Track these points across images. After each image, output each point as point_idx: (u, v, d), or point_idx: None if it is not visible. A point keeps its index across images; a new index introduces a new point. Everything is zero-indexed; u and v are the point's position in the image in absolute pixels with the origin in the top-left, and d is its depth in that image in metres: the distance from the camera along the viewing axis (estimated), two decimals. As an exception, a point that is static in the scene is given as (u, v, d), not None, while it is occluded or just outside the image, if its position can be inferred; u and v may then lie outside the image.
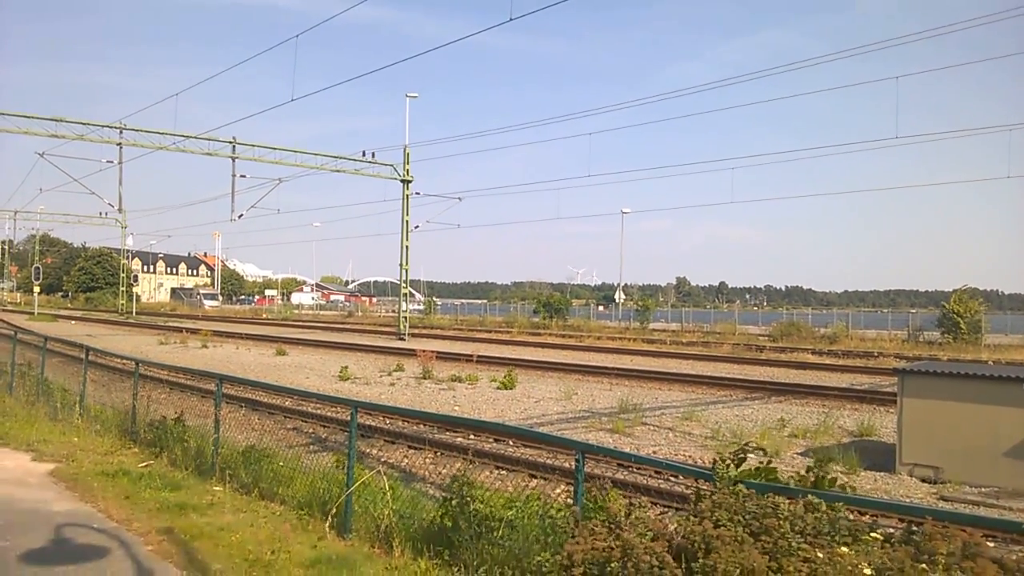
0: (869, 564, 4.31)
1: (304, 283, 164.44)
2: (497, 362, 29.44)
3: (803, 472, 6.88)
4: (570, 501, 6.40)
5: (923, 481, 11.72)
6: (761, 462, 6.62)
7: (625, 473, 11.52)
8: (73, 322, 65.18)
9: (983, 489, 11.11)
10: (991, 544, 4.82)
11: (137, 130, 40.07)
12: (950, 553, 4.25)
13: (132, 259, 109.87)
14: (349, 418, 8.27)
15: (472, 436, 14.69)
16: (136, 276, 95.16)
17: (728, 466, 5.31)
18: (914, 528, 4.67)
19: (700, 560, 4.64)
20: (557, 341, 47.21)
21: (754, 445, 7.06)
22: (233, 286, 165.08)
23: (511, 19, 15.22)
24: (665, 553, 4.74)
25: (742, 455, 5.56)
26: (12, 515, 8.07)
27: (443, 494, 7.22)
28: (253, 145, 43.12)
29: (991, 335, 44.94)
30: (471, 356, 29.71)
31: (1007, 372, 12.31)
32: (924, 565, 4.20)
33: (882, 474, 12.19)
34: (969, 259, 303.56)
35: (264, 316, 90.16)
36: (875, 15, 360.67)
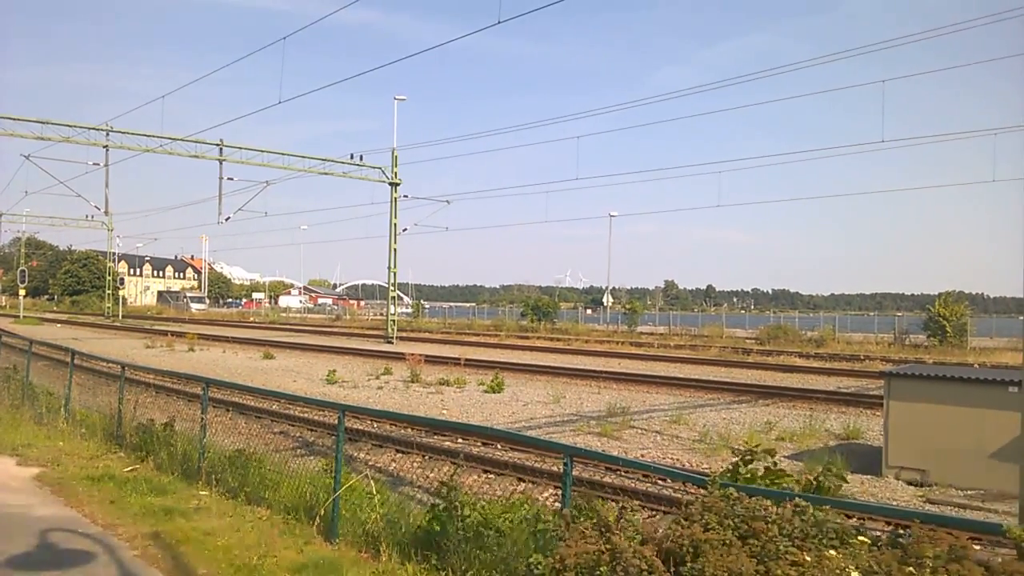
0: (856, 567, 4.32)
1: (292, 286, 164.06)
2: (485, 365, 29.41)
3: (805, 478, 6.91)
4: (558, 505, 6.39)
5: (910, 484, 11.77)
6: (772, 462, 6.64)
7: (613, 477, 11.52)
8: (59, 325, 64.79)
9: (969, 492, 11.16)
10: (977, 547, 4.84)
11: (124, 132, 39.86)
12: (937, 556, 4.26)
13: (118, 262, 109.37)
14: (336, 422, 8.25)
15: (460, 440, 14.65)
16: (122, 279, 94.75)
17: (737, 466, 5.32)
18: (901, 531, 4.68)
19: (688, 564, 4.64)
20: (545, 344, 47.22)
21: (763, 448, 7.07)
22: (220, 289, 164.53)
23: (499, 22, 15.21)
24: (654, 557, 4.73)
25: (750, 456, 5.57)
26: (-4, 520, 8.01)
27: (431, 498, 7.20)
28: (240, 147, 42.98)
29: (976, 338, 45.26)
30: (459, 359, 29.70)
31: (993, 375, 12.37)
32: (911, 568, 4.21)
33: (869, 477, 12.23)
34: (955, 263, 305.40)
35: (251, 319, 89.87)
36: (861, 17, 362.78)
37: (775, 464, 6.40)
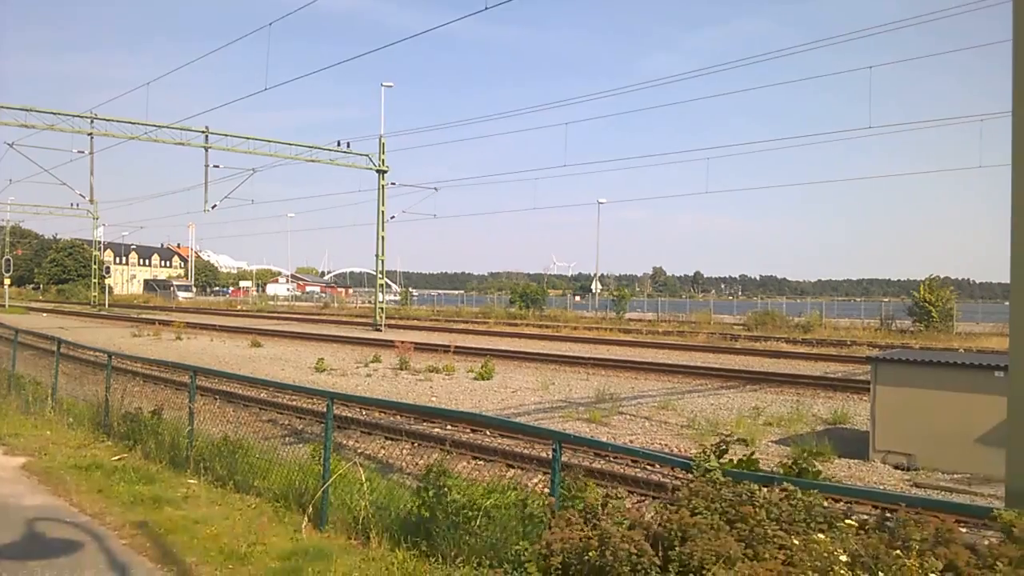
0: (844, 550, 4.34)
1: (279, 274, 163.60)
2: (474, 352, 29.41)
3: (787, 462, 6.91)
4: (547, 491, 6.41)
5: (896, 468, 11.85)
6: (745, 455, 6.64)
7: (602, 462, 11.56)
8: (45, 314, 64.45)
9: (956, 475, 11.24)
10: (964, 530, 4.88)
11: (108, 119, 39.52)
12: (923, 539, 4.30)
13: (104, 251, 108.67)
14: (325, 409, 8.24)
15: (449, 426, 14.66)
16: (108, 268, 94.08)
17: (709, 457, 5.32)
18: (888, 515, 4.71)
19: (677, 548, 4.65)
20: (534, 331, 47.23)
21: (736, 436, 7.10)
22: (207, 277, 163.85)
23: (486, 8, 15.13)
24: (643, 541, 4.75)
25: (724, 446, 5.57)
26: (-17, 510, 7.97)
27: (420, 485, 7.20)
28: (227, 135, 42.72)
29: (962, 323, 45.56)
30: (448, 347, 29.65)
31: (979, 360, 12.45)
32: (898, 551, 4.24)
33: (856, 461, 12.31)
34: (941, 248, 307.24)
35: (239, 308, 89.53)
36: (848, 3, 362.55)
37: (751, 454, 6.41)
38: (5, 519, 7.60)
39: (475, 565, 6.22)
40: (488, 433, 14.01)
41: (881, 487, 10.84)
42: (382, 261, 47.80)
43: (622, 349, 34.58)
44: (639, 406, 17.91)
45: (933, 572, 4.11)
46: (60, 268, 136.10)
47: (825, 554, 4.32)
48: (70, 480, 9.40)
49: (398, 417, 15.35)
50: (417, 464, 12.14)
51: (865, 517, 5.41)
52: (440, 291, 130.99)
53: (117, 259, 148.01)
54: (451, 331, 45.33)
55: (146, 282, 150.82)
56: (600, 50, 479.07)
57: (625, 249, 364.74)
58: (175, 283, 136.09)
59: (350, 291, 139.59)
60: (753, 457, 6.46)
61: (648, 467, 11.23)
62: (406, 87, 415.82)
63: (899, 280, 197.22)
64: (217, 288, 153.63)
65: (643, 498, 9.91)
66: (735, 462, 6.14)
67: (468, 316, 65.10)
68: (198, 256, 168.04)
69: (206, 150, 41.95)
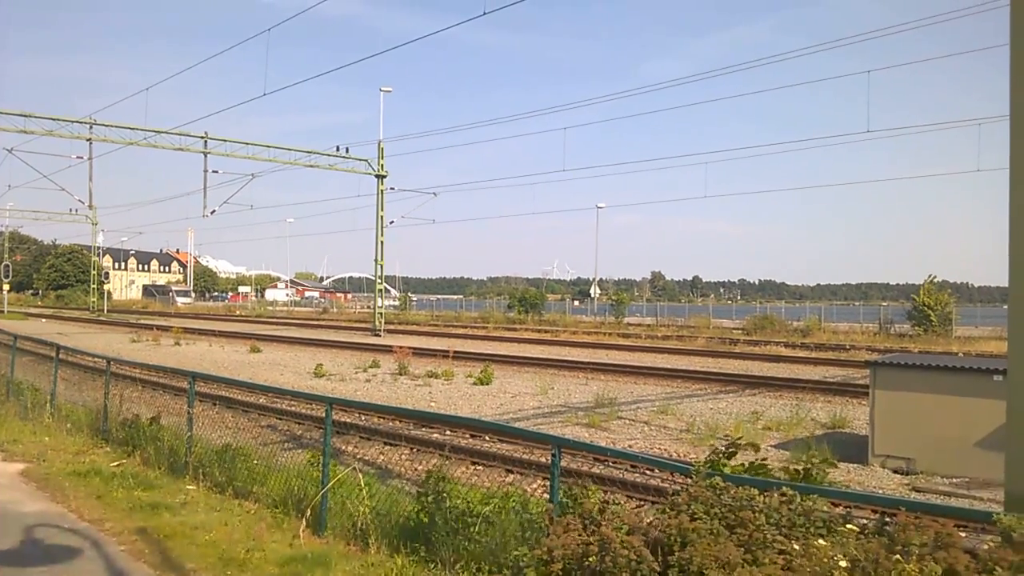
0: (844, 555, 4.34)
1: (278, 279, 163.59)
2: (473, 357, 29.40)
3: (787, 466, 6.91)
4: (547, 496, 6.40)
5: (895, 472, 11.84)
6: (755, 460, 6.64)
7: (601, 467, 11.55)
8: (44, 320, 64.37)
9: (955, 480, 11.24)
10: (963, 534, 4.87)
11: (107, 125, 39.59)
12: (923, 544, 4.29)
13: (103, 256, 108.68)
14: (324, 415, 8.23)
15: (448, 432, 14.65)
16: (107, 273, 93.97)
17: (718, 459, 5.31)
18: (887, 519, 4.70)
19: (676, 553, 4.65)
20: (533, 336, 47.25)
21: (745, 442, 7.09)
22: (206, 283, 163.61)
23: (485, 13, 15.16)
24: (642, 547, 4.75)
25: (733, 449, 5.57)
26: (-19, 516, 7.96)
27: (419, 490, 7.20)
28: (225, 140, 42.78)
29: (961, 327, 45.51)
30: (447, 352, 29.62)
31: (978, 363, 12.44)
32: (898, 556, 4.24)
33: (855, 466, 12.29)
34: (940, 252, 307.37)
35: (238, 313, 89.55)
36: (847, 8, 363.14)
37: (763, 460, 6.41)
38: (4, 525, 7.59)
39: (474, 571, 6.22)
40: (487, 438, 14.01)
41: (880, 491, 10.83)
42: (381, 266, 47.80)
43: (621, 354, 34.58)
44: (638, 411, 17.90)
45: (932, 577, 4.11)
46: (59, 274, 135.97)
47: (825, 559, 4.32)
48: (69, 486, 9.39)
49: (397, 422, 15.34)
50: (416, 470, 12.13)
51: (864, 522, 5.41)
52: (439, 296, 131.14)
53: (116, 264, 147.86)
54: (450, 336, 45.31)
55: (145, 287, 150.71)
56: (599, 55, 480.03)
57: (624, 253, 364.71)
58: (174, 288, 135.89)
59: (349, 296, 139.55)
60: (763, 462, 6.45)
61: (647, 472, 11.22)
62: (405, 92, 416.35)
63: (898, 284, 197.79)
64: (216, 293, 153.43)
65: (642, 503, 9.90)
66: (745, 466, 6.14)
67: (467, 321, 65.15)
68: (197, 261, 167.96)
69: (205, 155, 42.10)
